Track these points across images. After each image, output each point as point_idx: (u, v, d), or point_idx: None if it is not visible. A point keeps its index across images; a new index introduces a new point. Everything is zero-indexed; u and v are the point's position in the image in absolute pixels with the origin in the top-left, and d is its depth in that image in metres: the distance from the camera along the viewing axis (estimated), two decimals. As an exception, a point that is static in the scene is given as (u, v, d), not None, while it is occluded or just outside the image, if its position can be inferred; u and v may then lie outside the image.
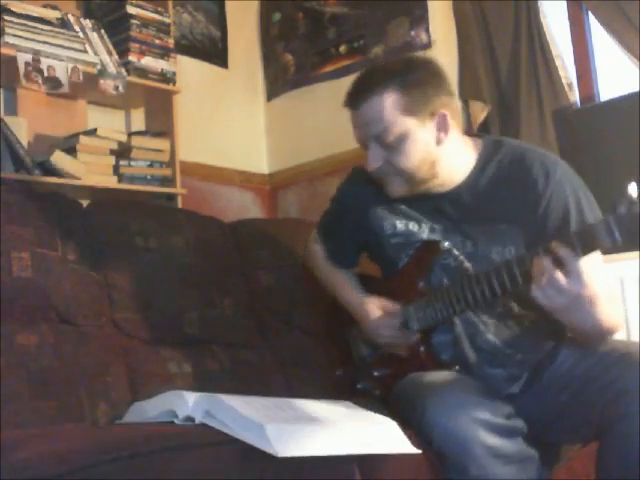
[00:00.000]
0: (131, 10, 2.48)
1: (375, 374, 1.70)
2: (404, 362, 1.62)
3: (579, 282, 1.28)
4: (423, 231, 1.61)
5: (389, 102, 1.49)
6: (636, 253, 2.02)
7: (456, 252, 1.57)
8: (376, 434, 1.25)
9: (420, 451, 1.27)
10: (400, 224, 1.64)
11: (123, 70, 2.41)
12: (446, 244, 1.56)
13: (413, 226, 1.62)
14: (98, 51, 2.38)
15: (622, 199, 1.22)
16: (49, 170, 2.23)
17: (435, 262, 1.58)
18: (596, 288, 1.32)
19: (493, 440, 1.34)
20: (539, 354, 1.58)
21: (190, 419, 1.21)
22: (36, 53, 2.19)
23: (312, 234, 1.94)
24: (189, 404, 1.22)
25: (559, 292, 1.29)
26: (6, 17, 2.17)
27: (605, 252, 1.35)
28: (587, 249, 1.28)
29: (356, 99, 1.53)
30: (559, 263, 1.28)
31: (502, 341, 1.56)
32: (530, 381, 1.56)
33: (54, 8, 2.35)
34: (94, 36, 2.39)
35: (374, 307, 1.66)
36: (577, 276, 1.28)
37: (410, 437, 1.28)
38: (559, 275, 1.28)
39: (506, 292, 1.42)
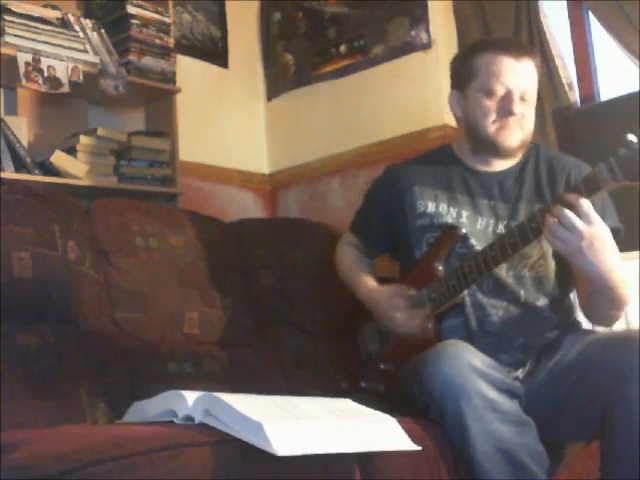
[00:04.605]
0: (131, 10, 2.48)
1: (381, 367, 1.75)
2: (411, 354, 1.65)
3: (589, 220, 1.39)
4: (451, 215, 1.72)
5: (537, 72, 1.72)
6: (636, 253, 2.02)
7: (473, 241, 1.67)
8: (376, 431, 1.25)
9: (420, 447, 1.27)
10: (432, 205, 1.75)
11: (123, 70, 2.41)
12: (464, 231, 1.68)
13: (442, 208, 1.74)
14: (98, 51, 2.38)
15: (622, 143, 1.36)
16: (49, 170, 2.23)
17: (454, 247, 1.68)
18: (606, 235, 1.43)
19: (491, 393, 1.39)
20: (543, 340, 1.64)
21: (190, 418, 1.21)
22: (36, 53, 2.19)
23: (344, 235, 2.03)
24: (189, 403, 1.22)
25: (571, 230, 1.39)
26: (6, 17, 2.17)
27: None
28: (592, 189, 1.40)
29: (521, 53, 1.69)
30: (569, 207, 1.39)
31: (507, 324, 1.64)
32: (534, 367, 1.62)
33: (54, 8, 2.35)
34: (94, 36, 2.39)
35: (388, 290, 1.75)
36: (587, 215, 1.39)
37: (410, 433, 1.28)
38: (570, 213, 1.38)
39: (517, 251, 1.54)
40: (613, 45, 2.40)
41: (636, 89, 2.28)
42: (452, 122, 2.59)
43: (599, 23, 2.44)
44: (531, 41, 2.50)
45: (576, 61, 2.58)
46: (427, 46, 2.66)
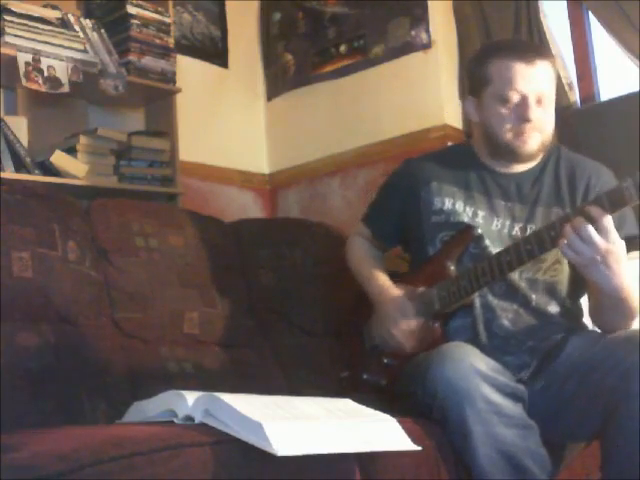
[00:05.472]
0: (131, 10, 2.48)
1: (385, 361, 1.74)
2: (415, 351, 1.65)
3: (607, 236, 1.39)
4: (467, 213, 1.71)
5: (553, 71, 1.69)
6: (636, 253, 2.02)
7: (487, 242, 1.66)
8: (376, 431, 1.25)
9: (420, 448, 1.27)
10: (448, 202, 1.74)
11: (123, 70, 2.41)
12: (479, 231, 1.67)
13: (459, 206, 1.72)
14: (98, 51, 2.37)
15: None
16: (49, 170, 2.23)
17: (467, 247, 1.67)
18: (622, 252, 1.42)
19: (495, 396, 1.39)
20: (549, 343, 1.64)
21: (190, 418, 1.21)
22: (36, 53, 2.19)
23: (356, 225, 2.01)
24: (189, 403, 1.22)
25: (588, 244, 1.39)
26: (6, 17, 2.17)
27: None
28: (616, 205, 1.39)
29: (534, 56, 1.66)
30: (590, 220, 1.39)
31: (515, 328, 1.64)
32: (539, 369, 1.61)
33: (54, 8, 2.35)
34: (94, 36, 2.39)
35: (398, 292, 1.73)
36: (606, 231, 1.39)
37: (410, 433, 1.28)
38: (589, 228, 1.38)
39: (533, 258, 1.53)
40: (613, 45, 2.40)
41: (636, 89, 2.28)
42: (452, 122, 2.61)
43: (599, 23, 2.44)
44: (531, 41, 2.50)
45: (576, 61, 2.58)
46: (427, 46, 2.66)
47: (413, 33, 2.70)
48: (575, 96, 2.53)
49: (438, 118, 2.61)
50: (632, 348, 1.42)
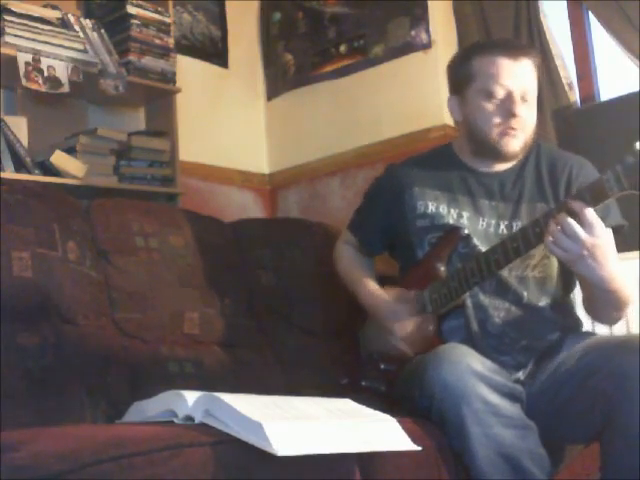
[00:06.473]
0: (131, 10, 2.48)
1: (382, 367, 1.74)
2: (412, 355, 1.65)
3: (592, 230, 1.38)
4: (451, 216, 1.71)
5: (536, 70, 1.69)
6: (636, 253, 2.02)
7: (475, 241, 1.66)
8: (376, 431, 1.25)
9: (420, 448, 1.27)
10: (432, 206, 1.74)
11: (123, 70, 2.41)
12: (465, 231, 1.67)
13: (443, 209, 1.73)
14: (98, 51, 2.38)
15: (629, 152, 1.34)
16: (49, 170, 2.23)
17: (456, 248, 1.67)
18: (608, 244, 1.42)
19: (493, 397, 1.38)
20: (544, 343, 1.64)
21: (190, 418, 1.21)
22: (36, 53, 2.20)
23: (342, 233, 2.02)
24: (189, 403, 1.22)
25: (573, 240, 1.39)
26: (6, 17, 2.17)
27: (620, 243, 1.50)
28: (598, 198, 1.39)
29: (519, 53, 1.67)
30: (573, 215, 1.39)
31: (509, 326, 1.64)
32: (535, 369, 1.61)
33: (54, 8, 2.35)
34: (94, 36, 2.39)
35: (388, 296, 1.73)
36: (590, 225, 1.38)
37: (410, 433, 1.28)
38: (574, 224, 1.38)
39: (519, 256, 1.53)
40: (613, 45, 2.40)
41: (636, 89, 2.28)
42: (452, 122, 2.61)
43: (599, 23, 2.44)
44: (531, 41, 2.50)
45: (576, 61, 2.58)
46: (427, 46, 2.67)
47: (413, 33, 2.70)
48: (575, 96, 2.53)
49: (438, 118, 2.61)
50: (630, 354, 1.41)
